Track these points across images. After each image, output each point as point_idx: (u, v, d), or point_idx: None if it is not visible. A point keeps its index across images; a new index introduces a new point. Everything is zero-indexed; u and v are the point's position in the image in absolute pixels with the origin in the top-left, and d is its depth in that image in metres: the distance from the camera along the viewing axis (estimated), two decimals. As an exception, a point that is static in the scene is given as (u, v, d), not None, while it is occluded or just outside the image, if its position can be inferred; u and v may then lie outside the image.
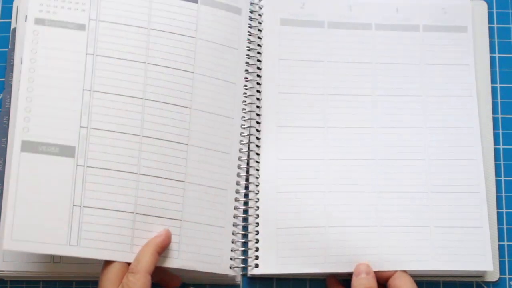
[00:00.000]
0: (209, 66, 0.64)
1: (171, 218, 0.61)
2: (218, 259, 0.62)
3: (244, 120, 0.65)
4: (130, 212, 0.59)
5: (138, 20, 0.62)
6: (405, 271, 0.61)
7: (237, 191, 0.64)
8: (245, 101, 0.66)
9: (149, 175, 0.60)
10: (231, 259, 0.63)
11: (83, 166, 0.59)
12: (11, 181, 0.57)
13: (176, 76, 0.63)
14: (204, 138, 0.63)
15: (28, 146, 0.58)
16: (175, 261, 0.60)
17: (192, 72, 0.63)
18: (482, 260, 0.63)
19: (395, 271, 0.61)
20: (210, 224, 0.62)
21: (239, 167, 0.64)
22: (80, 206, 0.58)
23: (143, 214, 0.60)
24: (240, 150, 0.65)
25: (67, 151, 0.59)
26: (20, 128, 0.58)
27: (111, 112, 0.60)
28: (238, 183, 0.64)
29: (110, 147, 0.60)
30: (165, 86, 0.62)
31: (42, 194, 0.57)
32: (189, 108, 0.63)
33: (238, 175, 0.64)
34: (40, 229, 0.57)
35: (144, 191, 0.60)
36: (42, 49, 0.60)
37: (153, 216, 0.60)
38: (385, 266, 0.62)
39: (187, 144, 0.62)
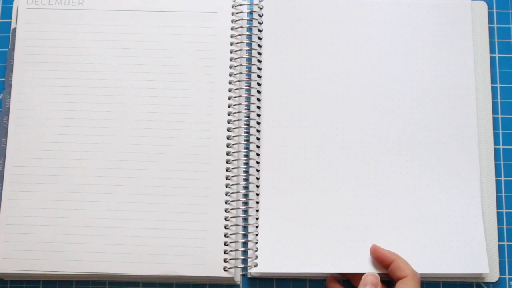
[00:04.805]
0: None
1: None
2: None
3: (231, 123, 0.66)
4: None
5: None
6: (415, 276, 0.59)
7: (227, 194, 0.64)
8: (238, 103, 0.66)
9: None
10: (224, 261, 0.63)
11: None
12: None
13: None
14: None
15: None
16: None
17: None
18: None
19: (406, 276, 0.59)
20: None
21: (227, 170, 0.65)
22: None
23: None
24: (229, 153, 0.65)
25: None
26: None
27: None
28: (227, 186, 0.64)
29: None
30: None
31: None
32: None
33: (228, 177, 0.65)
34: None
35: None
36: None
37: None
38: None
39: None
